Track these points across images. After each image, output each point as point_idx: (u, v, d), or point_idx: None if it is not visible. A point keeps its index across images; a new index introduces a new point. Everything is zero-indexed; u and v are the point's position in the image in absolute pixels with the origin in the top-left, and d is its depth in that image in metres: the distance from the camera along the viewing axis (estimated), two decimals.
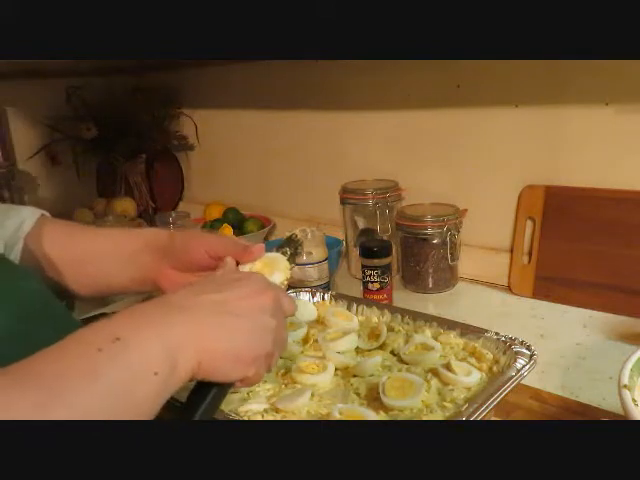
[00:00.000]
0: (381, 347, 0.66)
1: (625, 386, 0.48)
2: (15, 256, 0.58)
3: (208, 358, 0.39)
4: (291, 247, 0.60)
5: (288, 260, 0.58)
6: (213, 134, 1.53)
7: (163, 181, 1.64)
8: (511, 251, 0.95)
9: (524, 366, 0.56)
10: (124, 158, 1.49)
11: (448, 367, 0.58)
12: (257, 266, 0.55)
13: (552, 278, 0.89)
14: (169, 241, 0.60)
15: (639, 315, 0.80)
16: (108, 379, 0.33)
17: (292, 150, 1.33)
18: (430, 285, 0.97)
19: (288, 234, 0.63)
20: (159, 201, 1.63)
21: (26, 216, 0.60)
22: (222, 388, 0.42)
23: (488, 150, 0.97)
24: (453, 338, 0.65)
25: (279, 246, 0.61)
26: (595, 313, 0.84)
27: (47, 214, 0.64)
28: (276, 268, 0.56)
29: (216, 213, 1.36)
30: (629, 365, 0.50)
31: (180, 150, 1.60)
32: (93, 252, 0.61)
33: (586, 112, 0.85)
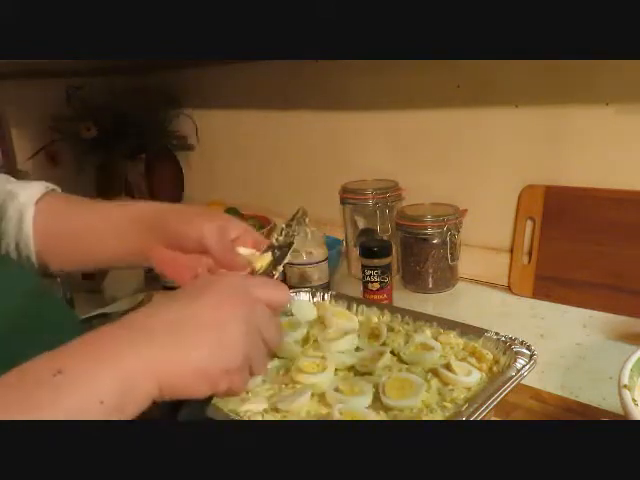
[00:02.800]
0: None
1: (625, 386, 0.48)
2: (28, 229, 0.59)
3: (167, 381, 0.36)
4: (292, 226, 0.56)
5: (283, 235, 0.54)
6: (213, 134, 1.53)
7: (163, 181, 1.64)
8: (511, 251, 0.96)
9: (524, 366, 0.56)
10: (124, 158, 1.49)
11: (448, 367, 0.58)
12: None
13: (552, 278, 0.89)
14: (159, 219, 0.58)
15: (639, 315, 0.80)
16: (50, 413, 0.31)
17: (292, 150, 1.33)
18: (430, 285, 0.97)
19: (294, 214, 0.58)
20: (159, 201, 1.63)
21: (36, 190, 0.61)
22: (197, 402, 0.39)
23: (488, 150, 0.97)
24: (453, 338, 0.65)
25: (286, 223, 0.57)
26: (595, 313, 0.84)
27: (58, 189, 0.65)
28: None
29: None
30: (629, 365, 0.50)
31: (180, 150, 1.60)
32: (82, 226, 0.61)
33: (586, 112, 0.85)
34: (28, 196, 0.60)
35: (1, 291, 0.46)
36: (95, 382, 0.34)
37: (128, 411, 0.35)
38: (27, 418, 0.30)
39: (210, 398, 0.40)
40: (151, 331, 0.38)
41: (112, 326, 0.38)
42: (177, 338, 0.38)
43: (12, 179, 0.64)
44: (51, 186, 0.64)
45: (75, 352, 0.35)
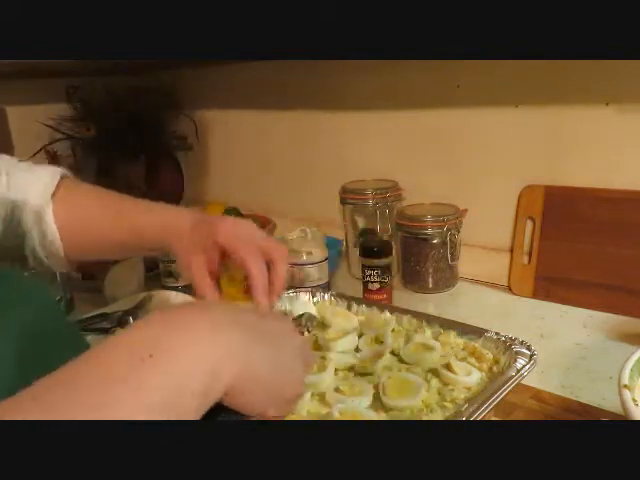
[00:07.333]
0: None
1: (625, 386, 0.48)
2: (49, 218, 0.63)
3: (244, 387, 0.34)
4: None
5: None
6: (213, 134, 1.53)
7: (163, 181, 1.64)
8: (511, 251, 0.95)
9: (524, 366, 0.56)
10: (124, 158, 1.49)
11: (448, 367, 0.58)
12: None
13: (552, 278, 0.89)
14: (191, 232, 0.63)
15: (639, 315, 0.80)
16: (150, 391, 0.31)
17: (292, 150, 1.32)
18: (430, 285, 0.97)
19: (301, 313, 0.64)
20: (159, 201, 1.63)
21: (51, 174, 0.66)
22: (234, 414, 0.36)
23: (488, 150, 0.97)
24: (453, 338, 0.65)
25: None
26: (595, 313, 0.84)
27: (68, 173, 0.69)
28: None
29: (216, 213, 1.36)
30: (629, 365, 0.50)
31: (180, 150, 1.60)
32: (103, 228, 0.66)
33: (586, 112, 0.85)
34: (42, 188, 0.64)
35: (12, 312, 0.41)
36: (191, 371, 0.32)
37: (204, 406, 0.33)
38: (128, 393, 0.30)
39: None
40: (244, 329, 0.36)
41: (203, 306, 0.39)
42: (265, 349, 0.37)
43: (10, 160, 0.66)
44: (61, 171, 0.67)
45: (171, 332, 0.33)
